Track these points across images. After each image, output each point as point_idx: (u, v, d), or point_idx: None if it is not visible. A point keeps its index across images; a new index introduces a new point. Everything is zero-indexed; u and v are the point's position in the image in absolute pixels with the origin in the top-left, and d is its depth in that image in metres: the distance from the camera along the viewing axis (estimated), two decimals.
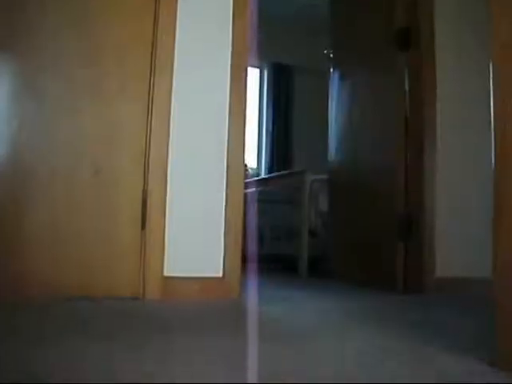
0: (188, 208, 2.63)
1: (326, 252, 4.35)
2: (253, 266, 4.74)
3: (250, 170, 7.54)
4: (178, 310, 2.25)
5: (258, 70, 8.22)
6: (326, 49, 4.51)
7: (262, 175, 7.42)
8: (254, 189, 5.34)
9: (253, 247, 5.12)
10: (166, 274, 2.53)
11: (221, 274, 2.65)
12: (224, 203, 2.70)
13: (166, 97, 2.62)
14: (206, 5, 2.79)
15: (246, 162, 2.90)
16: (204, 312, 2.21)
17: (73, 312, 2.05)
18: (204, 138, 2.71)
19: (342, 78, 4.31)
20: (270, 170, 7.70)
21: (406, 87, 3.49)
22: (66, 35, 2.51)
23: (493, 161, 1.46)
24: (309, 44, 7.80)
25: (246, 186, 5.29)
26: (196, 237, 2.63)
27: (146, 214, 2.53)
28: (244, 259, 2.87)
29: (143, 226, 2.53)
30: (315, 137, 7.55)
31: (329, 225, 4.35)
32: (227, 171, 2.72)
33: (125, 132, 2.56)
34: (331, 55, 4.46)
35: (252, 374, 1.23)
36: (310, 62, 7.88)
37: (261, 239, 5.15)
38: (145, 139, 2.58)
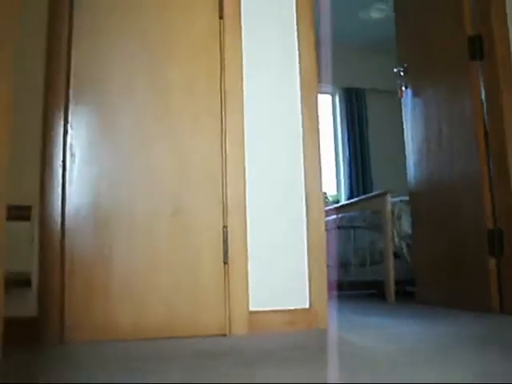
0: (269, 240, 2.61)
1: (412, 275, 4.23)
2: (339, 294, 4.65)
3: (329, 197, 7.48)
4: (265, 344, 2.22)
5: (329, 96, 8.20)
6: (395, 67, 4.43)
7: (342, 201, 7.34)
8: (334, 216, 5.28)
9: (338, 274, 5.04)
10: (251, 308, 2.51)
11: (307, 305, 2.60)
12: (305, 232, 2.67)
13: (239, 130, 2.64)
14: (271, 35, 2.82)
15: (324, 189, 2.85)
16: (292, 344, 2.17)
17: (157, 351, 2.05)
18: (280, 169, 2.71)
19: (414, 94, 4.23)
20: (349, 195, 7.61)
21: (483, 97, 3.37)
22: (140, 78, 2.59)
23: None
24: (378, 64, 7.75)
25: (327, 213, 5.25)
26: (279, 268, 2.61)
27: (228, 250, 2.53)
28: (329, 287, 2.82)
29: (225, 262, 2.53)
30: (393, 158, 7.44)
31: (413, 246, 4.22)
32: (306, 199, 2.69)
33: (200, 168, 2.60)
34: (401, 73, 4.38)
35: None
36: (380, 82, 7.81)
37: (345, 266, 5.07)
38: (221, 174, 2.60)
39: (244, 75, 2.72)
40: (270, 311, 2.54)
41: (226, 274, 2.53)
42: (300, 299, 2.60)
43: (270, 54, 2.79)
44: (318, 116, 2.78)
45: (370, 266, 4.66)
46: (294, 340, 2.27)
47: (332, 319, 2.74)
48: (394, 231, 4.45)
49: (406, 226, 4.43)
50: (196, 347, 2.14)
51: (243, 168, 2.62)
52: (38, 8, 2.54)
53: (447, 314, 3.19)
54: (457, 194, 3.57)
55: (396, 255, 4.44)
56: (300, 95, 2.77)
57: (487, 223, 3.27)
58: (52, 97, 2.50)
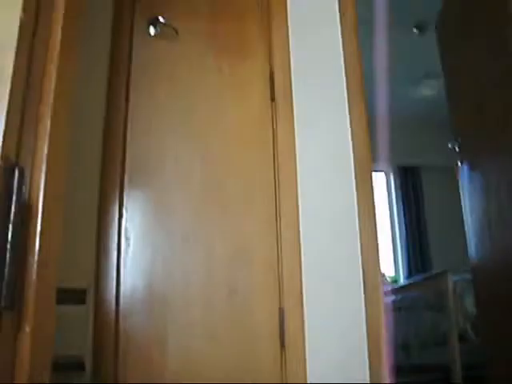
0: (327, 322, 2.52)
1: (479, 359, 4.00)
2: (400, 379, 4.44)
3: (387, 278, 7.29)
4: None
5: (383, 175, 8.16)
6: (450, 142, 4.38)
7: (401, 281, 7.14)
8: (393, 297, 5.12)
9: (398, 358, 4.82)
10: None
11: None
12: (364, 314, 2.56)
13: (294, 214, 2.61)
14: (322, 114, 2.83)
15: (382, 270, 2.77)
16: None
17: None
18: (336, 249, 2.64)
19: (471, 168, 4.14)
20: (408, 275, 7.40)
21: None
22: (195, 166, 2.63)
23: None
24: (432, 141, 7.70)
25: (385, 294, 5.10)
26: (338, 351, 2.50)
27: (285, 333, 2.45)
28: (389, 371, 2.68)
29: (282, 344, 2.44)
30: (451, 235, 7.24)
31: (480, 329, 4.01)
32: (363, 279, 2.60)
33: (255, 251, 2.56)
34: (456, 148, 4.32)
35: None
36: (435, 159, 7.73)
37: (406, 349, 4.86)
38: (276, 255, 2.56)
39: (297, 159, 2.72)
40: None
41: (284, 355, 2.44)
42: (363, 376, 2.48)
43: (321, 137, 2.80)
44: (373, 191, 2.73)
45: (432, 348, 4.45)
46: None
47: None
48: (459, 312, 4.26)
49: (470, 305, 4.24)
50: None
51: (298, 248, 2.57)
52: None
53: None
54: None
55: (461, 337, 4.23)
56: (355, 182, 2.73)
57: None
58: (108, 177, 2.55)
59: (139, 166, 2.60)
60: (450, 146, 4.40)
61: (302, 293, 2.51)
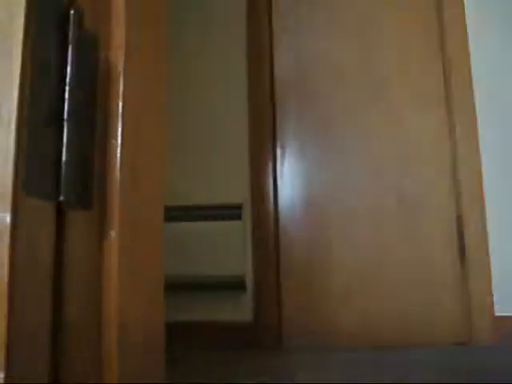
0: None
1: None
2: None
3: None
4: None
5: None
6: None
7: None
8: None
9: None
10: (497, 313, 2.09)
11: None
12: None
13: (469, 107, 2.23)
14: None
15: None
16: None
17: (385, 361, 1.75)
18: None
19: None
20: None
21: None
22: (354, 65, 2.33)
23: None
24: None
25: None
26: None
27: (465, 244, 2.14)
28: None
29: (462, 258, 2.14)
30: None
31: None
32: None
33: (423, 152, 2.24)
34: None
35: None
36: None
37: None
38: (449, 157, 2.22)
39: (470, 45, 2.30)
40: None
41: (464, 270, 2.14)
42: None
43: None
44: None
45: None
46: None
47: None
48: None
49: None
50: (432, 360, 1.80)
51: (477, 149, 2.20)
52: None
53: None
54: None
55: None
56: None
57: None
58: (257, 88, 2.36)
59: (290, 73, 2.37)
60: None
61: (483, 198, 2.16)
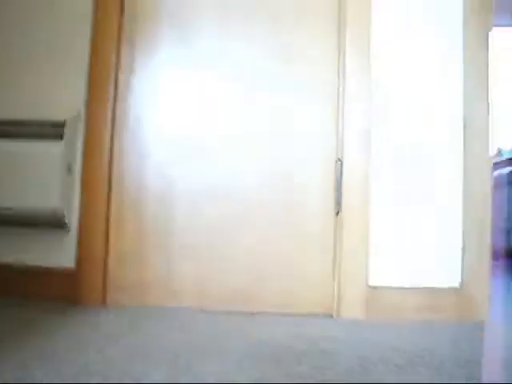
0: (403, 186, 1.77)
1: None
2: (504, 267, 3.65)
3: (503, 152, 6.23)
4: (387, 339, 1.42)
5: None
6: None
7: None
8: (509, 169, 4.19)
9: (505, 240, 3.98)
10: (371, 282, 1.72)
11: (457, 284, 1.75)
12: (462, 180, 1.78)
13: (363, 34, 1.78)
14: None
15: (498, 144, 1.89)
16: (430, 345, 1.35)
17: (221, 336, 1.35)
18: (425, 89, 1.81)
19: None
20: None
21: None
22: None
23: None
24: None
25: (496, 167, 4.15)
26: (416, 228, 1.76)
27: (342, 193, 1.73)
28: (493, 256, 1.92)
29: (338, 210, 1.74)
30: None
31: None
32: (464, 133, 1.79)
33: (303, 72, 1.79)
34: None
35: None
36: None
37: None
38: (336, 86, 1.78)
39: None
40: (398, 288, 1.72)
41: (338, 228, 1.74)
42: (446, 274, 1.75)
43: None
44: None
45: None
46: (437, 338, 1.45)
47: (495, 306, 1.87)
48: None
49: None
50: (282, 335, 1.41)
51: (368, 85, 1.77)
52: None
53: None
54: None
55: None
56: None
57: None
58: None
59: None
60: None
61: (369, 142, 1.75)
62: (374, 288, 1.71)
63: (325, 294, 1.73)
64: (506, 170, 4.15)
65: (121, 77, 1.79)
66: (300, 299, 1.73)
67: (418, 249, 1.75)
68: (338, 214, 1.74)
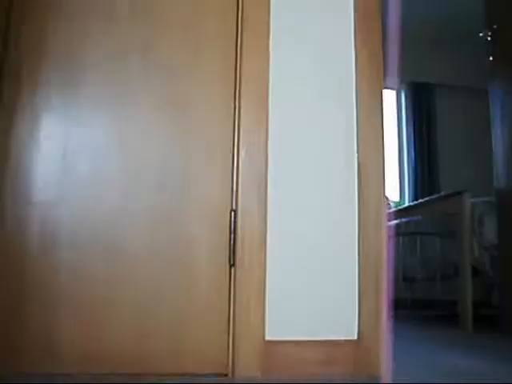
0: (301, 238, 1.74)
1: (495, 296, 3.29)
2: (399, 314, 3.72)
3: (391, 203, 6.51)
4: None
5: (393, 92, 7.27)
6: (481, 32, 3.50)
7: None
8: (396, 221, 4.34)
9: (399, 291, 4.08)
10: (268, 337, 1.65)
11: (355, 336, 1.71)
12: (357, 232, 1.78)
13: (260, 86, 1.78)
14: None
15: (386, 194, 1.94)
16: None
17: None
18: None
19: (506, 67, 3.29)
20: (414, 201, 6.61)
21: None
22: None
23: None
24: (450, 59, 6.85)
25: (388, 218, 4.30)
26: (315, 281, 1.73)
27: (236, 246, 1.67)
28: (388, 306, 1.91)
29: (232, 263, 1.67)
30: (465, 160, 6.54)
31: (500, 260, 3.25)
32: (358, 189, 1.80)
33: (198, 128, 1.75)
34: (488, 38, 3.45)
35: None
36: (452, 78, 6.88)
37: (409, 280, 4.13)
38: (231, 141, 1.76)
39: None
40: (296, 342, 1.66)
41: (233, 282, 1.67)
42: (345, 327, 1.72)
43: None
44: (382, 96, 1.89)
45: (440, 281, 3.72)
46: None
47: (390, 357, 1.84)
48: (474, 240, 3.49)
49: (489, 233, 3.46)
50: None
51: (265, 139, 1.76)
52: None
53: None
54: None
55: (475, 270, 3.48)
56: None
57: None
58: None
59: None
60: (481, 34, 3.53)
61: (266, 193, 1.72)
62: (271, 343, 1.64)
63: (218, 352, 1.63)
64: (393, 222, 4.28)
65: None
66: (191, 359, 1.63)
67: (315, 300, 1.71)
68: (231, 266, 1.67)
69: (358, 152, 1.82)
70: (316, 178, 1.78)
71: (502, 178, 3.25)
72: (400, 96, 7.31)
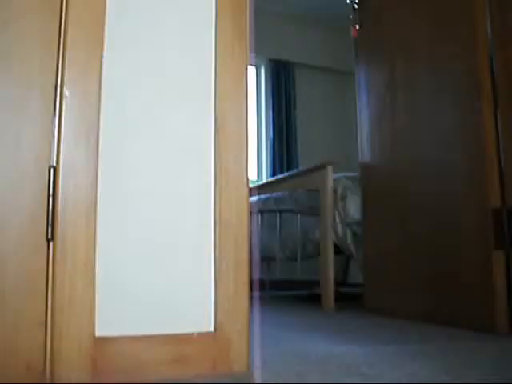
0: (144, 206, 1.37)
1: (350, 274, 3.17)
2: (260, 300, 3.46)
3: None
4: None
5: (253, 68, 7.07)
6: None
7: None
8: (255, 197, 4.09)
9: (258, 272, 3.82)
10: (99, 332, 1.26)
11: (211, 328, 1.38)
12: (213, 202, 1.45)
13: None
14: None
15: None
16: None
17: None
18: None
19: (370, 42, 3.15)
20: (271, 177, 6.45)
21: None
22: None
23: None
24: (312, 38, 6.83)
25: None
26: (159, 262, 1.37)
27: (56, 215, 1.26)
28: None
29: (51, 237, 1.26)
30: (324, 139, 6.54)
31: (363, 236, 3.10)
32: (215, 151, 1.46)
33: None
34: (355, 6, 3.27)
35: None
36: (313, 57, 6.86)
37: (268, 260, 3.91)
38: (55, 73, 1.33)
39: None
40: (135, 338, 1.29)
41: (51, 262, 1.26)
42: (198, 317, 1.38)
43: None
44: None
45: (301, 262, 3.52)
46: None
47: (257, 350, 1.54)
48: (336, 216, 3.32)
49: (352, 209, 3.31)
50: None
51: (98, 75, 1.36)
52: None
53: (424, 333, 2.08)
54: (436, 156, 2.49)
55: (337, 248, 3.32)
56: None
57: (491, 201, 2.17)
58: None
59: None
60: (348, 1, 3.35)
61: (97, 144, 1.32)
62: (103, 339, 1.26)
63: (32, 352, 1.22)
64: (252, 199, 4.02)
65: None
66: None
67: (159, 286, 1.35)
68: (49, 242, 1.26)
69: (215, 102, 1.48)
70: (163, 131, 1.42)
71: (367, 153, 3.09)
72: (260, 72, 7.13)
